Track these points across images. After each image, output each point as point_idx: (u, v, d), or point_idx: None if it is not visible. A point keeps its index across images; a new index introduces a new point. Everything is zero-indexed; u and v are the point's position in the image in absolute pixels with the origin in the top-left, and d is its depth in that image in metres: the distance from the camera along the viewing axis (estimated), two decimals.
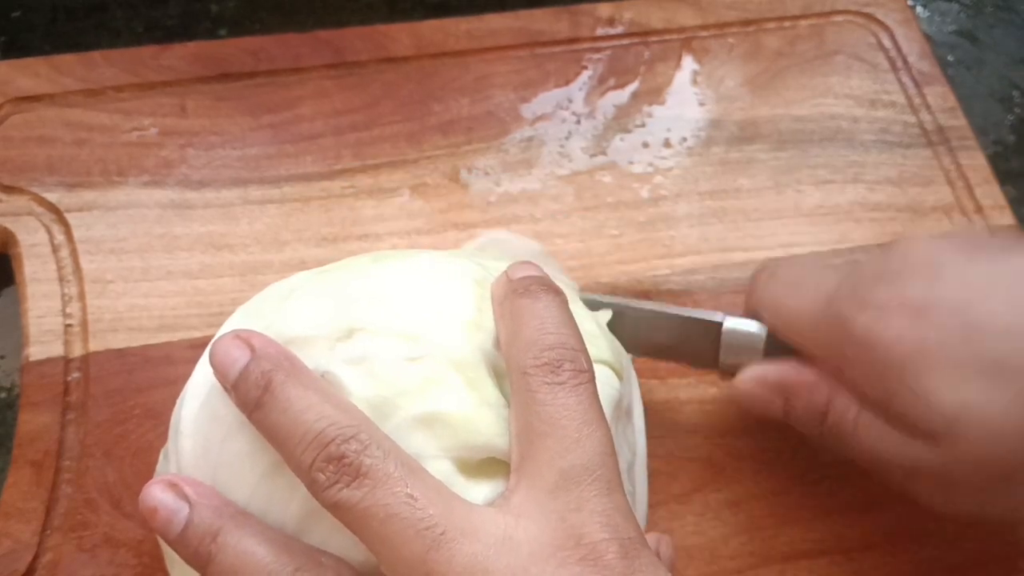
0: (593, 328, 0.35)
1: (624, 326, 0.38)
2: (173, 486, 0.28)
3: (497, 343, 0.31)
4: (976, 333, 0.30)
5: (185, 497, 0.28)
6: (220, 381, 0.29)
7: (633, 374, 0.37)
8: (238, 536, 0.27)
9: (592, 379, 0.29)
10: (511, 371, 0.29)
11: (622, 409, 0.34)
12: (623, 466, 0.33)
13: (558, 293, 0.31)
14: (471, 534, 0.25)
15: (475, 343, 0.30)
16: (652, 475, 0.37)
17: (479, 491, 0.28)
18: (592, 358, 0.33)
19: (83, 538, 0.38)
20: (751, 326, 0.38)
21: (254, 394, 0.28)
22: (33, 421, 0.40)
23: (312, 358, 0.30)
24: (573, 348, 0.29)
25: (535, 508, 0.26)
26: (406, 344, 0.30)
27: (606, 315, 0.41)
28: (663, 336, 0.39)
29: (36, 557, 0.37)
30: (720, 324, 0.38)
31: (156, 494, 0.28)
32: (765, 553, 0.39)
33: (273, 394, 0.27)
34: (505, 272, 0.32)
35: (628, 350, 0.37)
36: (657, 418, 0.42)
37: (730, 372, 0.38)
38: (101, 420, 0.41)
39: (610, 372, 0.33)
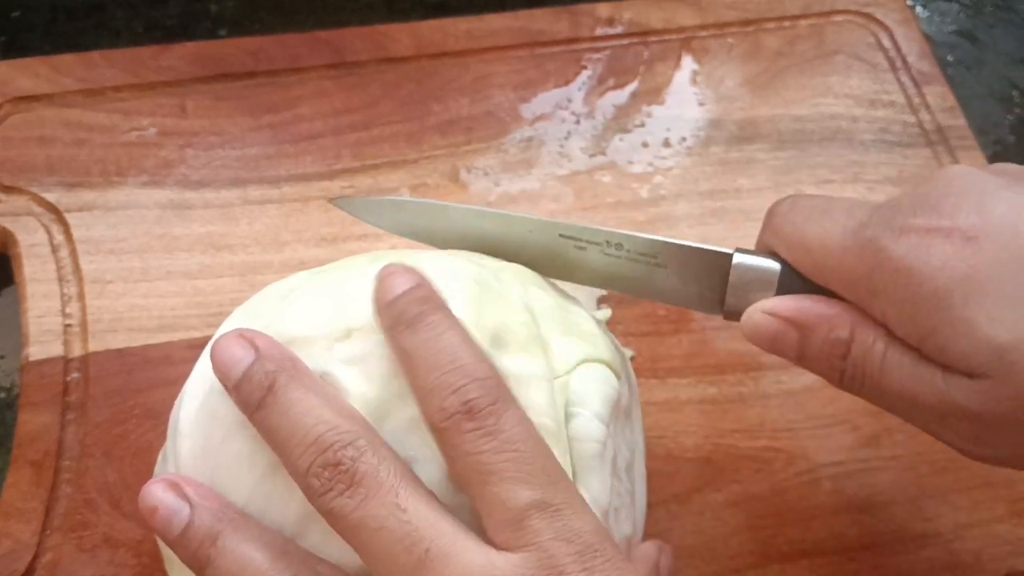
0: (592, 328, 0.35)
1: (620, 264, 0.35)
2: (174, 486, 0.28)
3: (495, 341, 0.31)
4: None
5: (186, 498, 0.28)
6: (221, 380, 0.29)
7: (632, 373, 0.37)
8: (237, 540, 0.27)
9: (511, 401, 0.27)
10: (427, 422, 0.28)
11: (620, 408, 0.34)
12: (622, 464, 0.33)
13: (438, 308, 0.29)
14: (456, 558, 0.25)
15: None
16: (651, 475, 0.37)
17: None
18: (591, 357, 0.33)
19: (83, 538, 0.38)
20: (764, 261, 0.33)
21: (257, 395, 0.28)
22: (33, 421, 0.40)
23: (311, 358, 0.30)
24: (479, 378, 0.27)
25: (510, 539, 0.26)
26: None
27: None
28: (663, 274, 0.35)
29: (36, 557, 0.37)
30: (729, 256, 0.34)
31: (157, 493, 0.28)
32: (764, 553, 0.40)
33: (275, 395, 0.27)
34: (375, 292, 0.30)
35: (625, 291, 0.36)
36: (656, 418, 0.42)
37: (736, 315, 0.34)
38: (101, 420, 0.41)
39: (608, 371, 0.33)
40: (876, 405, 0.32)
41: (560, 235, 0.35)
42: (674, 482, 0.41)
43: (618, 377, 0.34)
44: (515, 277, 0.35)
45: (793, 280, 0.33)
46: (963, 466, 0.42)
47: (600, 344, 0.34)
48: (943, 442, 0.31)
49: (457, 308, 0.31)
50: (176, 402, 0.32)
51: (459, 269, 0.33)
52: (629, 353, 0.42)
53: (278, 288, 0.35)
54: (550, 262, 0.36)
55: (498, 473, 0.25)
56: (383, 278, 0.29)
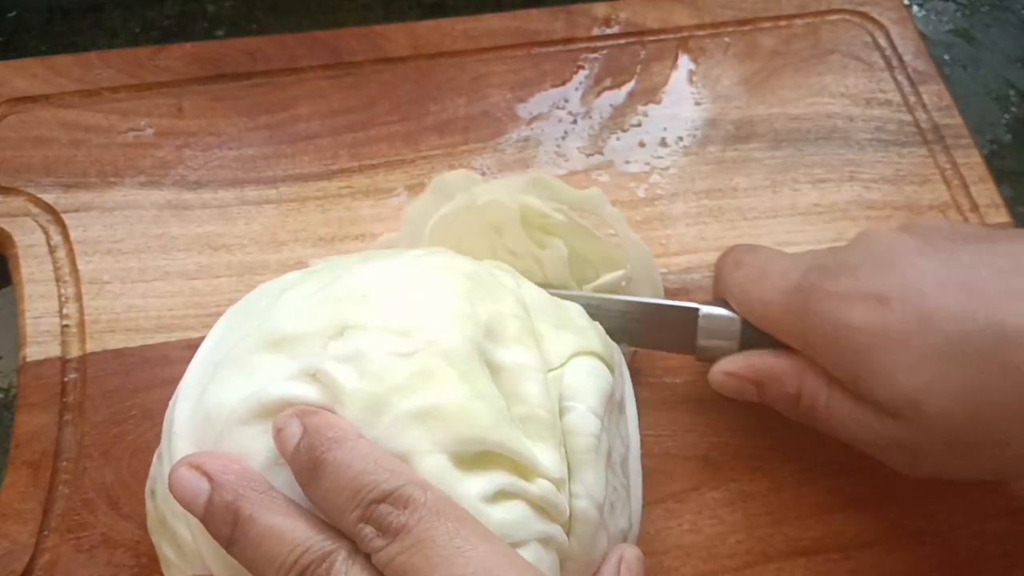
0: (583, 321, 0.35)
1: (603, 319, 0.38)
2: (195, 466, 0.28)
3: (489, 334, 0.31)
4: (931, 321, 0.33)
5: (206, 474, 0.28)
6: (189, 512, 0.29)
7: (624, 368, 0.37)
8: (261, 511, 0.27)
9: (422, 494, 0.27)
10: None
11: (614, 402, 0.34)
12: (616, 459, 0.33)
13: (327, 448, 0.27)
14: None
15: (467, 336, 0.30)
16: (649, 474, 0.37)
17: (474, 484, 0.28)
18: (584, 350, 0.33)
19: (81, 539, 0.38)
20: (726, 313, 0.39)
21: (224, 531, 0.28)
22: (30, 422, 0.40)
23: (304, 356, 0.30)
24: (376, 500, 0.27)
25: None
26: (398, 340, 0.30)
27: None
28: (641, 327, 0.40)
29: (33, 558, 0.37)
30: (696, 312, 0.39)
31: (177, 473, 0.28)
32: (762, 551, 0.40)
33: (243, 529, 0.27)
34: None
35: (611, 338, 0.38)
36: (654, 417, 0.42)
37: (708, 356, 0.40)
38: (98, 421, 0.41)
39: (602, 364, 0.33)
40: (831, 435, 0.37)
41: None
42: (672, 481, 0.41)
43: (611, 371, 0.34)
44: (509, 273, 0.35)
45: (751, 329, 0.39)
46: None
47: (592, 337, 0.34)
48: (887, 464, 0.37)
49: (448, 302, 0.31)
50: (170, 402, 0.32)
51: (451, 265, 0.33)
52: (630, 348, 0.42)
53: (270, 287, 0.35)
54: None
55: (409, 570, 0.26)
56: (275, 435, 0.29)
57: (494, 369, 0.31)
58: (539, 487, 0.29)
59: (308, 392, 0.29)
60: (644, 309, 0.40)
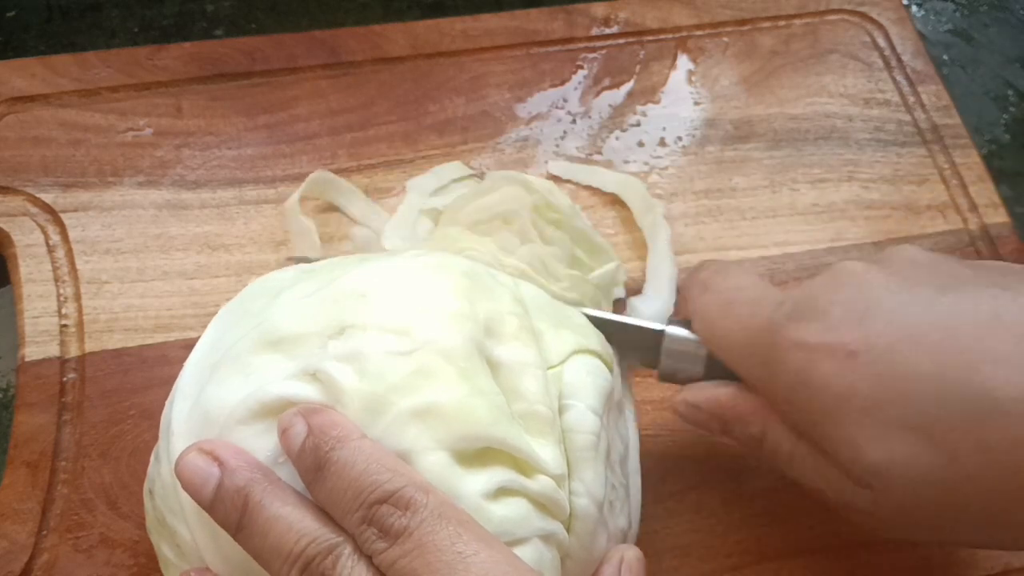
0: (583, 321, 0.35)
1: None
2: (206, 452, 0.28)
3: (488, 332, 0.31)
4: (901, 386, 0.30)
5: (218, 460, 0.28)
6: (193, 498, 0.28)
7: (624, 369, 0.37)
8: (269, 499, 0.27)
9: (424, 496, 0.27)
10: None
11: (613, 401, 0.34)
12: (615, 457, 0.33)
13: (332, 447, 0.27)
14: None
15: (465, 333, 0.30)
16: (648, 473, 0.37)
17: (476, 481, 0.28)
18: (583, 348, 0.33)
19: (79, 539, 0.38)
20: (692, 337, 0.37)
21: (233, 517, 0.28)
22: (29, 422, 0.40)
23: (303, 356, 0.30)
24: (380, 500, 0.26)
25: None
26: (397, 338, 0.30)
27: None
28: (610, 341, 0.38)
29: (32, 558, 0.37)
30: (661, 334, 0.37)
31: (187, 457, 0.28)
32: (761, 550, 0.40)
33: (251, 515, 0.27)
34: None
35: None
36: (652, 417, 0.42)
37: (671, 378, 0.37)
38: (97, 421, 0.41)
39: (601, 363, 0.33)
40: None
41: None
42: (670, 480, 0.41)
43: (610, 369, 0.34)
44: (508, 275, 0.35)
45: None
46: None
47: (591, 336, 0.34)
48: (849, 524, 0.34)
49: (446, 300, 0.31)
50: (168, 401, 0.32)
51: (449, 264, 0.33)
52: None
53: (265, 286, 0.34)
54: None
55: (410, 574, 0.26)
56: (280, 434, 0.29)
57: (493, 366, 0.31)
58: (540, 484, 0.29)
59: (308, 392, 0.29)
60: (608, 325, 0.37)
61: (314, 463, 0.27)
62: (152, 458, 0.33)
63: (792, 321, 0.32)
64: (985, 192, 0.50)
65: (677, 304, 0.44)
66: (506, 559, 0.26)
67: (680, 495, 0.41)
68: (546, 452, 0.30)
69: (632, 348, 0.38)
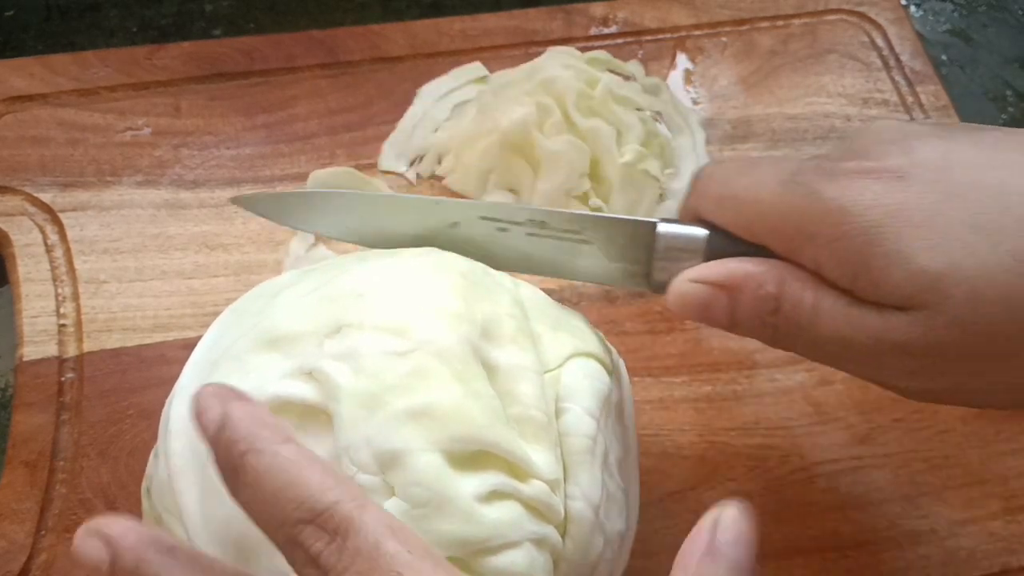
0: (582, 324, 0.35)
1: (544, 244, 0.35)
2: (95, 532, 0.25)
3: (484, 334, 0.31)
4: (959, 192, 0.28)
5: (108, 542, 0.25)
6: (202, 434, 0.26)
7: (625, 373, 0.37)
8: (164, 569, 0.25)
9: (355, 511, 0.23)
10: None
11: (611, 404, 0.34)
12: (613, 461, 0.33)
13: (250, 450, 0.24)
14: None
15: (462, 335, 0.30)
16: (647, 473, 0.37)
17: (468, 483, 0.28)
18: (581, 352, 0.33)
19: None
20: (689, 229, 0.33)
21: (238, 453, 0.24)
22: (27, 421, 0.40)
23: (300, 355, 0.30)
24: (307, 520, 0.23)
25: None
26: (393, 338, 0.30)
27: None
28: (588, 251, 0.35)
29: (30, 558, 0.37)
30: (654, 226, 0.33)
31: (77, 542, 0.25)
32: (760, 550, 0.39)
33: (255, 460, 0.24)
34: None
35: (552, 273, 0.35)
36: (651, 416, 0.42)
37: (663, 287, 0.33)
38: (95, 420, 0.41)
39: (599, 366, 0.33)
40: (811, 359, 0.32)
41: (481, 217, 0.34)
42: (669, 480, 0.41)
43: (609, 373, 0.34)
44: (507, 275, 0.35)
45: (720, 245, 0.32)
46: (957, 463, 0.42)
47: (590, 340, 0.34)
48: (879, 384, 0.31)
49: (444, 301, 0.31)
50: (167, 401, 0.32)
51: (447, 263, 0.33)
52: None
53: (268, 287, 0.35)
54: (473, 246, 0.35)
55: None
56: (194, 415, 0.25)
57: (490, 369, 0.30)
58: (533, 488, 0.29)
59: (304, 390, 0.29)
60: (593, 222, 0.34)
61: (228, 463, 0.24)
62: (151, 457, 0.33)
63: (831, 161, 0.30)
64: None
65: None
66: (448, 572, 0.23)
67: (679, 495, 0.41)
68: (540, 457, 0.29)
69: (619, 252, 0.34)
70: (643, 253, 0.33)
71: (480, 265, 0.34)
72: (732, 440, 0.42)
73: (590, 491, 0.30)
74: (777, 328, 0.31)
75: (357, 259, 0.35)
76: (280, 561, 0.25)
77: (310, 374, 0.29)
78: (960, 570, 0.40)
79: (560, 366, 0.32)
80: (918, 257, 0.28)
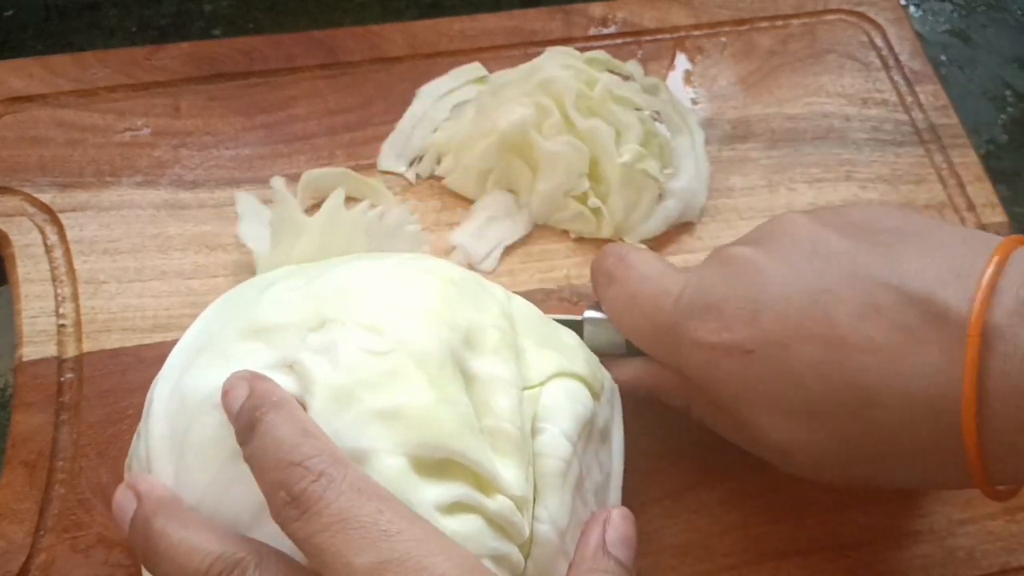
0: (571, 342, 0.35)
1: None
2: (130, 486, 0.30)
3: (466, 342, 0.31)
4: (794, 378, 0.32)
5: (137, 494, 0.30)
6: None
7: (617, 397, 0.37)
8: (174, 526, 0.28)
9: (340, 470, 0.26)
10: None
11: (595, 428, 0.33)
12: (590, 487, 0.33)
13: (268, 410, 0.28)
14: None
15: (442, 340, 0.30)
16: (645, 473, 0.37)
17: (431, 491, 0.28)
18: (566, 371, 0.33)
19: (77, 539, 0.38)
20: (607, 319, 0.38)
21: (141, 545, 0.29)
22: (26, 422, 0.40)
23: (283, 347, 0.30)
24: (296, 463, 0.27)
25: None
26: (373, 337, 0.30)
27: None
28: None
29: (30, 558, 0.37)
30: (581, 322, 0.38)
31: (115, 495, 0.31)
32: (758, 550, 0.40)
33: (154, 543, 0.28)
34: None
35: None
36: (650, 416, 0.42)
37: (601, 354, 0.38)
38: (95, 420, 0.41)
39: (583, 388, 0.33)
40: None
41: None
42: (668, 480, 0.41)
43: (595, 396, 0.33)
44: (501, 288, 0.35)
45: None
46: None
47: (578, 360, 0.34)
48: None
49: (428, 305, 0.31)
50: (152, 383, 0.33)
51: (437, 269, 0.33)
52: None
53: (261, 279, 0.35)
54: None
55: (329, 551, 0.25)
56: (222, 397, 0.29)
57: (468, 378, 0.30)
58: (498, 503, 0.28)
59: (283, 382, 0.29)
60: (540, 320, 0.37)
61: (248, 423, 0.28)
62: (135, 437, 0.33)
63: (692, 319, 0.34)
64: (983, 192, 0.50)
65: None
66: (431, 536, 0.26)
67: (677, 495, 0.41)
68: (510, 472, 0.29)
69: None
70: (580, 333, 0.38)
71: (475, 275, 0.34)
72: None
73: (558, 515, 0.30)
74: (695, 422, 0.38)
75: (352, 257, 0.35)
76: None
77: (291, 366, 0.30)
78: (959, 569, 0.40)
79: (542, 384, 0.32)
80: (767, 431, 0.34)
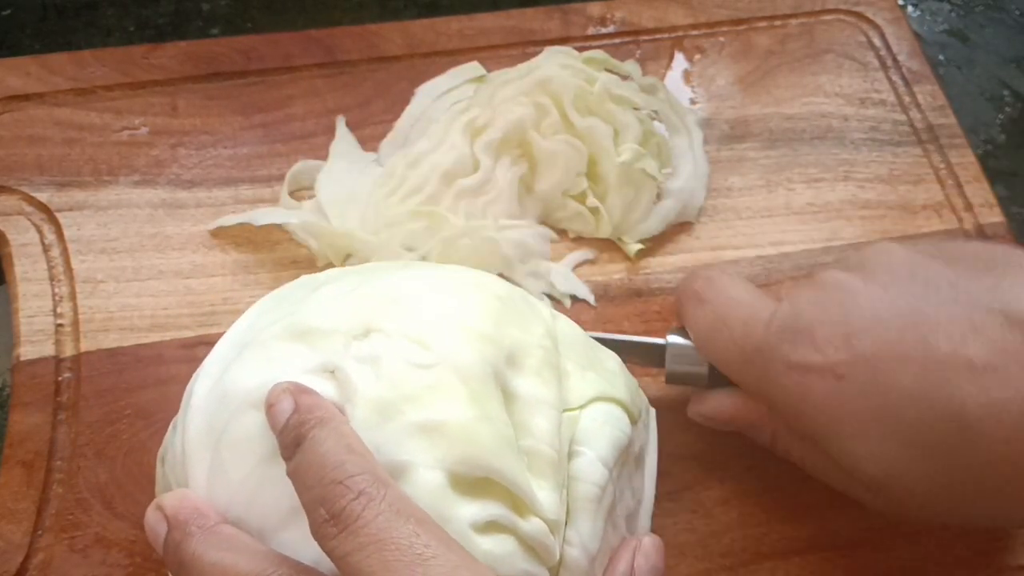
0: (613, 366, 0.35)
1: None
2: (158, 507, 0.30)
3: (510, 360, 0.31)
4: (890, 406, 0.31)
5: (164, 515, 0.29)
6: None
7: (653, 423, 0.37)
8: (206, 547, 0.28)
9: (380, 489, 0.26)
10: None
11: (631, 454, 0.33)
12: (621, 512, 0.33)
13: (313, 426, 0.28)
14: None
15: (486, 357, 0.30)
16: None
17: (467, 509, 0.28)
18: (606, 396, 0.32)
19: (75, 538, 0.38)
20: (692, 346, 0.38)
21: (175, 568, 0.29)
22: (24, 421, 0.40)
23: (326, 351, 0.30)
24: (339, 481, 0.26)
25: None
26: (418, 350, 0.30)
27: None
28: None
29: (27, 557, 0.37)
30: (663, 346, 0.39)
31: (146, 514, 0.30)
32: (757, 550, 0.40)
33: (188, 567, 0.28)
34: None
35: None
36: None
37: (678, 382, 0.39)
38: (92, 420, 0.41)
39: (622, 413, 0.33)
40: None
41: None
42: (667, 479, 0.41)
43: (633, 421, 0.33)
44: (547, 306, 0.35)
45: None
46: None
47: (619, 384, 0.33)
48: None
49: (475, 321, 0.31)
50: (193, 375, 0.33)
51: (487, 283, 0.33)
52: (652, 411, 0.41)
53: (311, 280, 0.35)
54: None
55: (364, 571, 0.25)
56: (266, 409, 0.29)
57: (509, 397, 0.30)
58: (532, 525, 0.28)
59: (322, 387, 0.29)
60: (612, 345, 0.37)
61: (294, 439, 0.28)
62: (170, 427, 0.33)
63: (783, 343, 0.34)
64: (980, 192, 0.50)
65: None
66: (466, 563, 0.25)
67: (676, 495, 0.41)
68: (545, 495, 0.29)
69: (638, 358, 0.39)
70: (658, 359, 0.39)
71: (521, 291, 0.34)
72: (730, 439, 0.42)
73: (589, 540, 0.30)
74: (777, 454, 0.38)
75: (402, 265, 0.35)
76: (274, 545, 0.28)
77: (332, 372, 0.29)
78: (959, 569, 0.40)
79: (582, 407, 0.32)
80: (860, 462, 0.33)
